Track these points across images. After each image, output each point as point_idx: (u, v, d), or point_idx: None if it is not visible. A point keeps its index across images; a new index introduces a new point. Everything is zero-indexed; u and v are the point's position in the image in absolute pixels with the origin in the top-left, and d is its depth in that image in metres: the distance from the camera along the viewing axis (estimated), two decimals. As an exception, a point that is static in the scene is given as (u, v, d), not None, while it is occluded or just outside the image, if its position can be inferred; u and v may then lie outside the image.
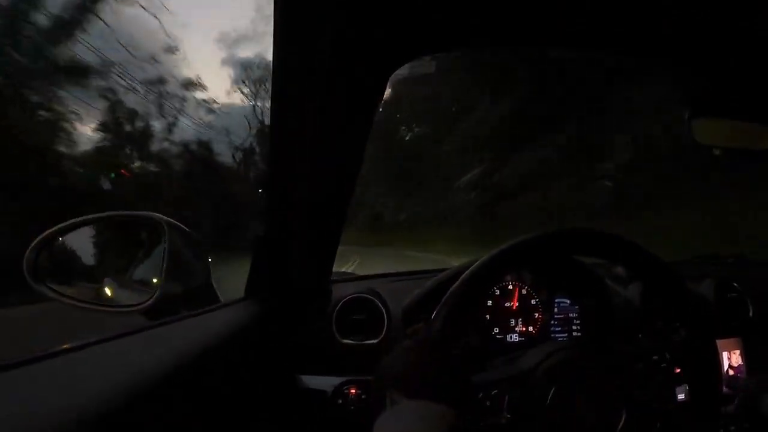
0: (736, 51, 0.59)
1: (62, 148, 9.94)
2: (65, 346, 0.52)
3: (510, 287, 0.99)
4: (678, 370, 0.91)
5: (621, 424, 0.69)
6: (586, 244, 0.72)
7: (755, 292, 1.13)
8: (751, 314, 1.11)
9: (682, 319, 0.72)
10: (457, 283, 0.65)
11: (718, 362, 0.72)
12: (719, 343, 0.87)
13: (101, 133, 12.03)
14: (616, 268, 1.08)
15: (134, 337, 0.63)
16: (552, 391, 0.70)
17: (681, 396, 0.92)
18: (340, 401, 0.89)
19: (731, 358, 1.10)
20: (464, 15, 0.51)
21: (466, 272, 0.65)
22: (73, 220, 0.86)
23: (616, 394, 0.73)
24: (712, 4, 0.49)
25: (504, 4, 0.50)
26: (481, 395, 0.68)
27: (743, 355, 1.09)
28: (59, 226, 0.85)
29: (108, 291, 0.90)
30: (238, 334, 0.77)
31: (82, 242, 0.90)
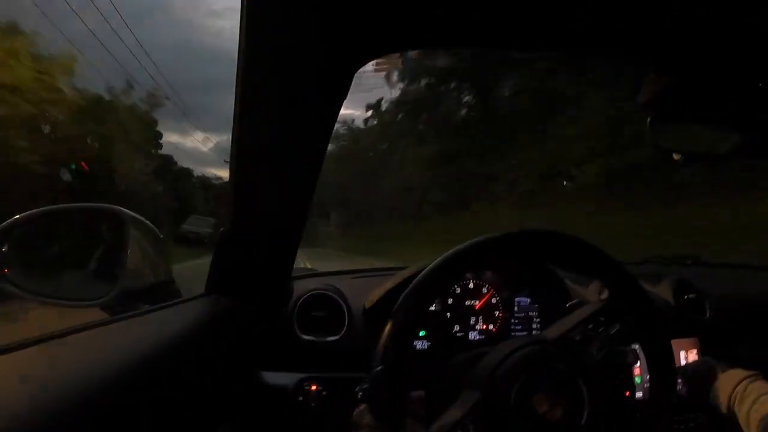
0: (698, 54, 0.60)
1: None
2: (18, 341, 0.52)
3: (471, 286, 1.00)
4: (637, 369, 0.94)
5: (583, 420, 0.71)
6: (542, 246, 0.73)
7: (712, 294, 1.16)
8: (707, 315, 1.14)
9: (639, 319, 0.74)
10: (420, 275, 0.65)
11: (674, 360, 0.73)
12: (677, 342, 0.89)
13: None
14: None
15: (92, 332, 0.62)
16: (515, 390, 0.71)
17: (639, 394, 0.95)
18: (301, 398, 0.90)
19: (688, 358, 1.13)
20: (429, 14, 0.52)
21: (430, 265, 0.66)
22: (32, 211, 0.85)
23: (579, 392, 0.75)
24: (674, 7, 0.50)
25: (465, 4, 0.50)
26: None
27: (700, 354, 1.13)
28: (17, 216, 0.84)
29: (67, 284, 0.88)
30: (198, 330, 0.77)
31: (41, 234, 0.88)
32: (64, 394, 0.43)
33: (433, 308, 0.97)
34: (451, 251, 0.68)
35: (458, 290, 1.00)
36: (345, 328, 0.93)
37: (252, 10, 0.48)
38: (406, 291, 0.64)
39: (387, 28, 0.54)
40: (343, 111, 0.67)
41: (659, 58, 0.63)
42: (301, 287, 0.98)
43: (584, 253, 0.72)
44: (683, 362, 1.11)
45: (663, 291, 1.13)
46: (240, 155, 0.69)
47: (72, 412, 0.42)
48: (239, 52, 0.53)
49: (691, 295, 1.15)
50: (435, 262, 0.66)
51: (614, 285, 0.74)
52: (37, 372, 0.47)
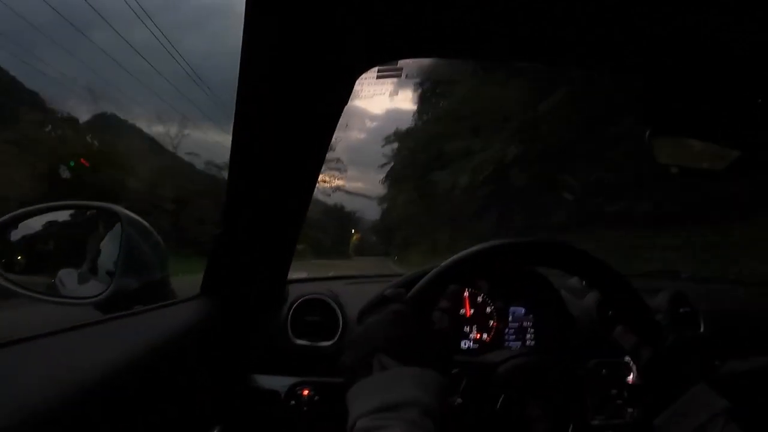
0: (697, 68, 0.60)
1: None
2: (10, 338, 0.52)
3: (465, 294, 1.00)
4: (630, 381, 0.94)
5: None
6: (546, 254, 0.74)
7: (707, 308, 1.16)
8: (702, 329, 1.15)
9: (636, 331, 0.74)
10: (435, 269, 0.67)
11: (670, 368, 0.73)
12: None
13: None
14: (571, 279, 1.11)
15: (85, 330, 0.62)
16: (501, 399, 0.72)
17: (630, 409, 0.95)
18: (293, 402, 0.90)
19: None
20: (430, 24, 0.52)
21: (445, 262, 0.68)
22: (29, 208, 0.84)
23: (567, 406, 0.75)
24: (672, 22, 0.50)
25: (469, 16, 0.50)
26: None
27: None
28: (14, 212, 0.83)
29: (61, 282, 0.88)
30: (192, 331, 0.77)
31: (37, 231, 0.88)
32: (55, 393, 0.43)
33: None
34: (463, 252, 0.69)
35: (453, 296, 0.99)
36: (339, 333, 0.93)
37: (254, 18, 0.48)
38: (425, 276, 0.66)
39: (388, 36, 0.54)
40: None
41: (658, 71, 0.63)
42: (296, 291, 0.98)
43: (584, 262, 0.73)
44: None
45: (659, 303, 1.13)
46: (237, 157, 0.69)
47: (62, 411, 0.42)
48: (241, 58, 0.54)
49: (686, 309, 1.15)
50: (456, 255, 0.68)
51: (612, 294, 0.75)
52: (28, 370, 0.47)
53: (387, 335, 0.57)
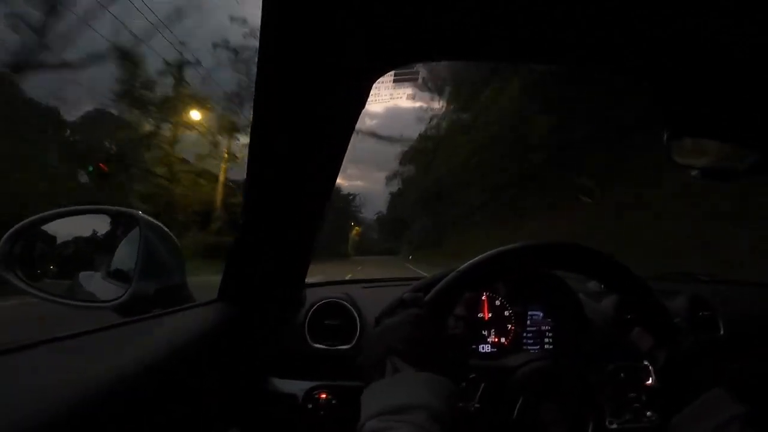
0: (717, 70, 0.60)
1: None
2: (32, 340, 0.52)
3: (483, 298, 0.99)
4: (648, 384, 0.93)
5: None
6: (564, 257, 0.73)
7: (726, 311, 1.15)
8: (721, 332, 1.13)
9: (655, 335, 0.73)
10: (451, 273, 0.67)
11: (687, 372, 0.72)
12: None
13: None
14: (589, 283, 1.10)
15: (104, 334, 0.63)
16: (520, 402, 0.72)
17: (649, 413, 0.94)
18: (311, 406, 0.90)
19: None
20: (447, 26, 0.52)
21: (462, 266, 0.67)
22: (49, 212, 0.85)
23: (585, 410, 0.75)
24: (690, 22, 0.50)
25: (483, 17, 0.50)
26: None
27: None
28: (35, 217, 0.84)
29: (80, 285, 0.89)
30: (210, 335, 0.77)
31: (57, 235, 0.89)
32: (74, 395, 0.43)
33: None
34: (481, 256, 0.69)
35: (475, 299, 0.99)
36: (357, 337, 0.93)
37: (270, 23, 0.48)
38: (442, 282, 0.65)
39: (405, 39, 0.54)
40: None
41: (675, 72, 0.62)
42: (313, 295, 0.98)
43: (602, 265, 0.72)
44: None
45: (678, 306, 1.12)
46: (255, 162, 0.69)
47: (81, 413, 0.43)
48: (258, 63, 0.54)
49: (705, 312, 1.14)
50: (474, 260, 0.68)
51: (631, 297, 0.74)
52: (49, 372, 0.48)
53: (402, 338, 0.57)
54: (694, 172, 0.86)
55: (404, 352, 0.55)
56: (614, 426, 0.87)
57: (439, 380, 0.52)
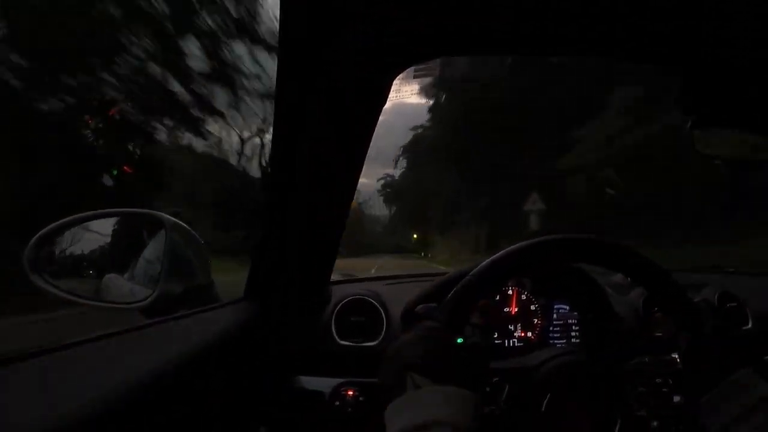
0: (740, 59, 0.59)
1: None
2: (62, 342, 0.53)
3: (509, 292, 0.99)
4: (675, 369, 0.91)
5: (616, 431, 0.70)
6: (589, 251, 0.72)
7: (754, 304, 1.12)
8: (750, 324, 1.11)
9: (683, 327, 0.72)
10: (464, 280, 0.65)
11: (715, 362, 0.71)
12: None
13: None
14: (615, 276, 1.08)
15: (132, 335, 0.63)
16: (548, 398, 0.71)
17: (677, 397, 0.92)
18: (338, 403, 0.89)
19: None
20: (465, 21, 0.52)
21: (475, 269, 0.65)
22: (75, 216, 0.86)
23: (613, 402, 0.74)
24: (715, 11, 0.49)
25: (499, 11, 0.50)
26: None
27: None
28: (61, 221, 0.85)
29: (108, 287, 0.89)
30: (236, 334, 0.78)
31: (83, 238, 0.90)
32: (104, 395, 0.44)
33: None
34: (502, 251, 0.67)
35: (497, 297, 0.98)
36: (383, 333, 0.92)
37: (289, 23, 0.49)
38: (454, 290, 0.64)
39: (424, 35, 0.54)
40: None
41: (699, 60, 0.61)
42: (339, 292, 0.98)
43: (628, 258, 0.71)
44: None
45: (705, 299, 1.10)
46: (279, 160, 0.69)
47: (111, 413, 0.43)
48: (278, 60, 0.54)
49: (733, 304, 1.12)
50: (486, 261, 0.66)
51: (658, 291, 0.72)
52: (79, 373, 0.48)
53: (418, 353, 0.56)
54: (717, 161, 0.85)
55: (423, 367, 0.54)
56: (642, 413, 0.86)
57: (462, 393, 0.51)
